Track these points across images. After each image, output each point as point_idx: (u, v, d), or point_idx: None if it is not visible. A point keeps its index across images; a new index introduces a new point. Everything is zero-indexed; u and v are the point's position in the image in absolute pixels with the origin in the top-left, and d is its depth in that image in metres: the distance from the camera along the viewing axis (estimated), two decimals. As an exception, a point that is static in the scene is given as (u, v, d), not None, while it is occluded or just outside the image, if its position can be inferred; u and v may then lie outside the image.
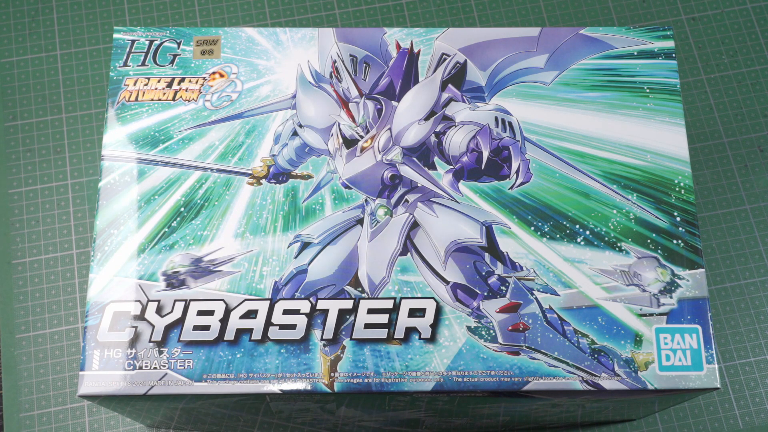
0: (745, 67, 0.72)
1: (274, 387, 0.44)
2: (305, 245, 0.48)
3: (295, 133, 0.50)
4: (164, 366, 0.45)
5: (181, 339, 0.45)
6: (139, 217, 0.48)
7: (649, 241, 0.48)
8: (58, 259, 0.65)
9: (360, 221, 0.48)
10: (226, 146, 0.50)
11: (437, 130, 0.51)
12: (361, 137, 0.50)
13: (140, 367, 0.45)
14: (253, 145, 0.50)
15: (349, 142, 0.50)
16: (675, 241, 0.48)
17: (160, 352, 0.45)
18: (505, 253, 0.48)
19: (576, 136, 0.51)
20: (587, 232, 0.48)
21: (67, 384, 0.63)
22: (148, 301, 0.46)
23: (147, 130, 0.50)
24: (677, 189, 0.50)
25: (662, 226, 0.49)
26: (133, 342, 0.45)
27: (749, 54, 0.72)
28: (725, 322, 0.65)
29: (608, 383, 0.45)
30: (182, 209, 0.48)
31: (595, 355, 0.46)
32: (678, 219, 0.49)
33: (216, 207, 0.48)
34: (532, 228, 0.48)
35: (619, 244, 0.48)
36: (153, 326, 0.46)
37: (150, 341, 0.45)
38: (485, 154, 0.50)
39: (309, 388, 0.45)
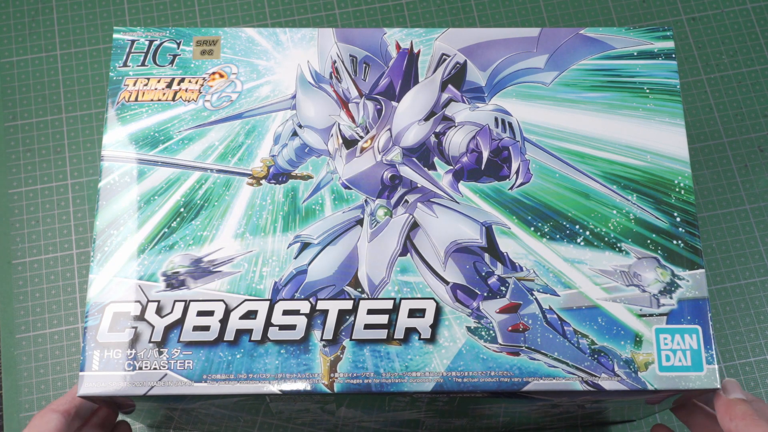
0: (745, 67, 0.72)
1: (274, 387, 0.44)
2: (305, 246, 0.48)
3: (294, 134, 0.50)
4: (164, 366, 0.45)
5: (180, 339, 0.45)
6: (138, 217, 0.48)
7: (649, 241, 0.48)
8: (58, 259, 0.65)
9: (360, 222, 0.48)
10: (225, 146, 0.50)
11: (437, 130, 0.51)
12: (361, 137, 0.50)
13: (140, 368, 0.45)
14: (253, 146, 0.50)
15: (349, 143, 0.50)
16: (675, 242, 0.48)
17: (160, 353, 0.45)
18: (505, 254, 0.48)
19: (576, 136, 0.51)
20: (587, 233, 0.48)
21: (67, 384, 0.63)
22: (148, 301, 0.46)
23: (147, 130, 0.50)
24: (677, 189, 0.50)
25: (662, 226, 0.49)
26: (133, 342, 0.45)
27: (749, 54, 0.72)
28: (725, 322, 0.65)
29: (608, 384, 0.45)
30: (182, 209, 0.48)
31: (595, 356, 0.46)
32: (678, 219, 0.49)
33: (216, 207, 0.48)
34: (532, 228, 0.48)
35: (618, 245, 0.48)
36: (153, 327, 0.45)
37: (150, 342, 0.45)
38: (485, 155, 0.50)
39: (309, 388, 0.45)
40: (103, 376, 0.45)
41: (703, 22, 0.73)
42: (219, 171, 0.49)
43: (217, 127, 0.50)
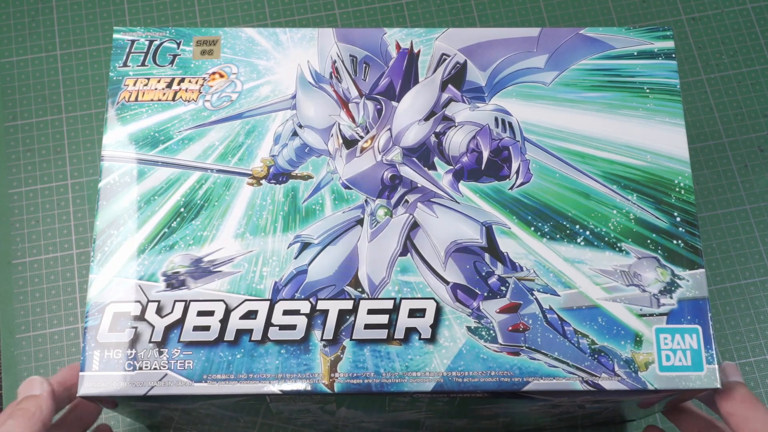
0: (745, 67, 0.72)
1: (274, 387, 0.44)
2: (305, 246, 0.48)
3: (295, 134, 0.50)
4: (164, 366, 0.45)
5: (181, 339, 0.45)
6: (138, 217, 0.48)
7: (649, 241, 0.48)
8: (58, 259, 0.65)
9: (360, 221, 0.48)
10: (225, 146, 0.50)
11: (437, 130, 0.51)
12: (361, 137, 0.50)
13: (140, 368, 0.45)
14: (253, 146, 0.50)
15: (349, 143, 0.50)
16: (675, 242, 0.48)
17: (160, 353, 0.45)
18: (505, 254, 0.48)
19: (576, 136, 0.51)
20: (587, 233, 0.48)
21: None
22: (148, 301, 0.46)
23: (147, 130, 0.50)
24: (677, 189, 0.50)
25: (662, 226, 0.49)
26: (133, 343, 0.45)
27: (749, 54, 0.72)
28: (725, 322, 0.65)
29: (608, 383, 0.45)
30: (182, 209, 0.48)
31: (595, 356, 0.46)
32: (678, 219, 0.49)
33: (216, 207, 0.48)
34: (532, 228, 0.48)
35: (619, 245, 0.48)
36: (153, 327, 0.45)
37: (150, 342, 0.45)
38: (485, 155, 0.50)
39: (309, 388, 0.45)
40: (104, 376, 0.45)
41: (703, 22, 0.73)
42: (219, 171, 0.49)
43: (217, 127, 0.50)
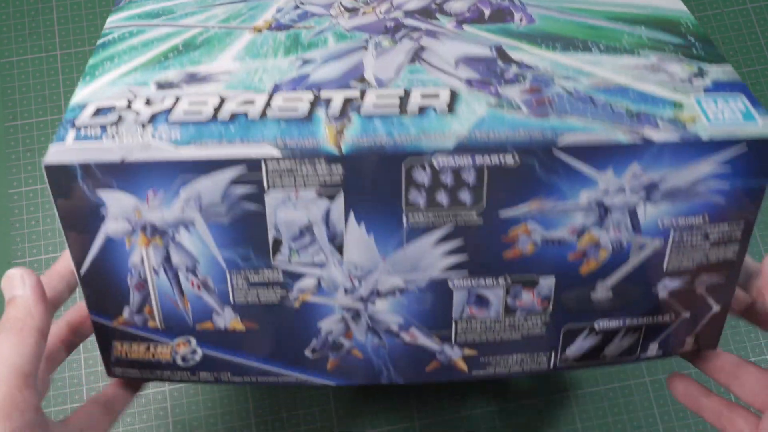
0: (745, 67, 0.72)
1: (273, 151, 0.39)
2: (308, 62, 0.45)
3: (296, 7, 0.50)
4: (148, 137, 0.39)
5: (169, 120, 0.40)
6: (134, 52, 0.46)
7: (666, 49, 0.46)
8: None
9: (365, 47, 0.46)
10: (228, 17, 0.50)
11: (438, 0, 0.51)
12: (363, 6, 0.50)
13: (121, 140, 0.39)
14: (256, 16, 0.50)
15: (351, 12, 0.50)
16: (695, 50, 0.46)
17: (145, 129, 0.40)
18: (520, 60, 0.45)
19: None
20: (601, 46, 0.46)
21: (66, 384, 0.57)
22: (136, 96, 0.42)
23: (151, 11, 0.50)
24: (685, 24, 0.48)
25: (678, 42, 0.46)
26: (116, 123, 0.40)
27: (749, 54, 0.73)
28: (725, 322, 0.60)
29: (656, 134, 0.39)
30: (180, 47, 0.47)
31: (634, 117, 0.41)
32: (692, 40, 0.47)
33: (216, 46, 0.47)
34: (544, 46, 0.46)
35: (636, 51, 0.45)
36: (139, 113, 0.41)
37: (135, 123, 0.40)
38: (487, 13, 0.49)
39: (313, 148, 0.39)
40: (76, 148, 0.39)
41: (703, 22, 0.75)
42: (221, 28, 0.48)
43: (221, 6, 0.51)
